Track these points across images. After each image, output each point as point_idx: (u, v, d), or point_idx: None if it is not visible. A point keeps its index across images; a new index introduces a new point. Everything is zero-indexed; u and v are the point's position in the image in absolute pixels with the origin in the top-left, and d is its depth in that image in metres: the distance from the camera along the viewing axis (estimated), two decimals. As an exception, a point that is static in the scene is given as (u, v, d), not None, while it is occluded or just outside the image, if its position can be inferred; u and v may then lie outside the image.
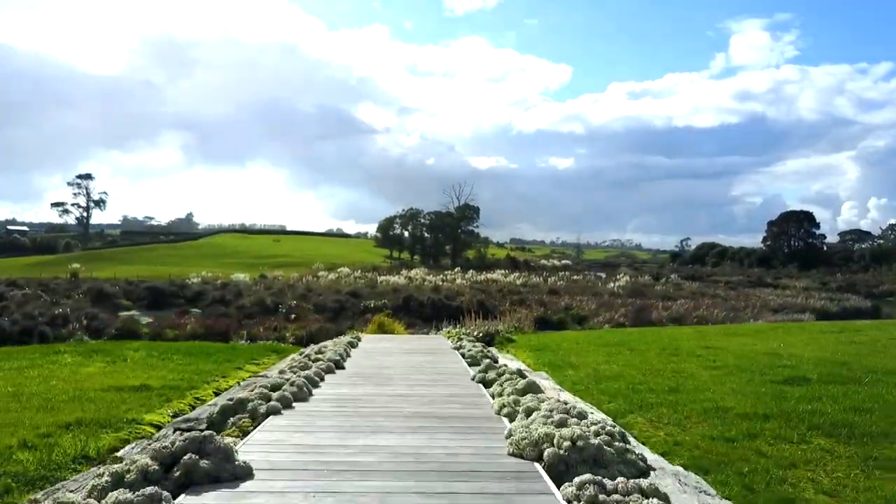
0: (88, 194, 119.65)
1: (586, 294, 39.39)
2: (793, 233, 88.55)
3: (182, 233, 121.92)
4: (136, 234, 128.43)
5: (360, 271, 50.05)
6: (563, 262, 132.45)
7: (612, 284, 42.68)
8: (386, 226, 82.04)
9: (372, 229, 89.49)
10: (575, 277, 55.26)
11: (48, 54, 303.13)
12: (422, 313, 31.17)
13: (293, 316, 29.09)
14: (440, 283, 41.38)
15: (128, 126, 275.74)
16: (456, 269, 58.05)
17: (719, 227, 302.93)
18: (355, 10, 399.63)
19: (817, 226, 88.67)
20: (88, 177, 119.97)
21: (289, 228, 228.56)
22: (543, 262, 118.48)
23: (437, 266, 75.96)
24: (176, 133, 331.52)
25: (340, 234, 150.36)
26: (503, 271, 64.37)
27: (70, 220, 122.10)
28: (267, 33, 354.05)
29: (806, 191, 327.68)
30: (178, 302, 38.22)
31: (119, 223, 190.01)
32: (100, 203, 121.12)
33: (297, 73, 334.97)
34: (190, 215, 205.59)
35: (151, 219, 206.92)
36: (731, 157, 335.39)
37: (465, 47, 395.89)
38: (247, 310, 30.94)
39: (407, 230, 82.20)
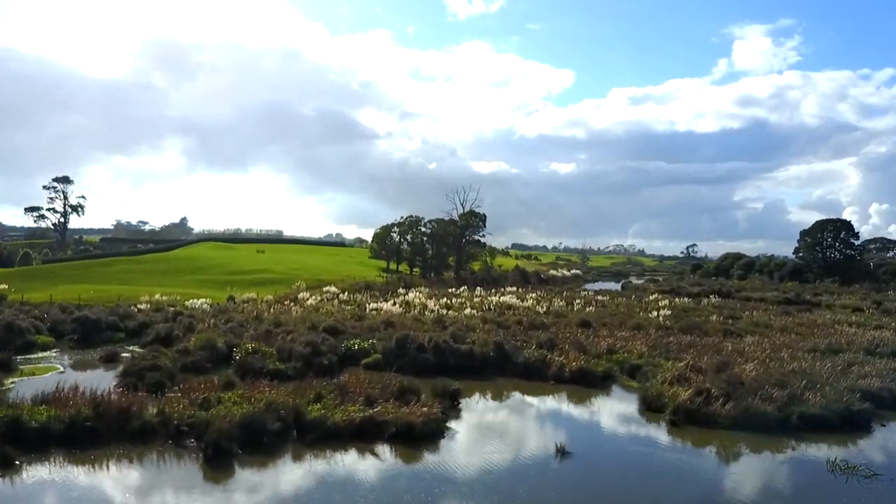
0: (66, 198, 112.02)
1: (626, 327, 31.65)
2: (829, 243, 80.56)
3: (164, 240, 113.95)
4: (118, 242, 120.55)
5: (347, 292, 42.28)
6: (573, 271, 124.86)
7: (654, 313, 34.87)
8: (383, 235, 74.03)
9: (372, 235, 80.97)
10: (599, 297, 47.45)
11: (50, 57, 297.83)
12: (421, 363, 23.44)
13: (243, 368, 21.39)
14: (444, 312, 33.58)
15: (130, 130, 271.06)
16: (462, 288, 50.28)
17: (721, 232, 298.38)
18: (358, 15, 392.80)
19: (856, 235, 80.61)
20: (66, 180, 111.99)
21: (286, 234, 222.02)
22: (552, 272, 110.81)
23: (440, 280, 68.15)
24: (178, 137, 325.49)
25: (336, 243, 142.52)
26: (514, 289, 56.72)
27: (55, 225, 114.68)
28: (269, 38, 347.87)
29: (807, 196, 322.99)
30: (116, 336, 30.49)
31: (111, 228, 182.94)
32: (78, 208, 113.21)
33: (300, 78, 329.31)
34: (184, 220, 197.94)
35: (146, 223, 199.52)
36: (733, 163, 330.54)
37: (467, 52, 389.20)
38: (188, 357, 23.21)
39: (406, 239, 74.25)
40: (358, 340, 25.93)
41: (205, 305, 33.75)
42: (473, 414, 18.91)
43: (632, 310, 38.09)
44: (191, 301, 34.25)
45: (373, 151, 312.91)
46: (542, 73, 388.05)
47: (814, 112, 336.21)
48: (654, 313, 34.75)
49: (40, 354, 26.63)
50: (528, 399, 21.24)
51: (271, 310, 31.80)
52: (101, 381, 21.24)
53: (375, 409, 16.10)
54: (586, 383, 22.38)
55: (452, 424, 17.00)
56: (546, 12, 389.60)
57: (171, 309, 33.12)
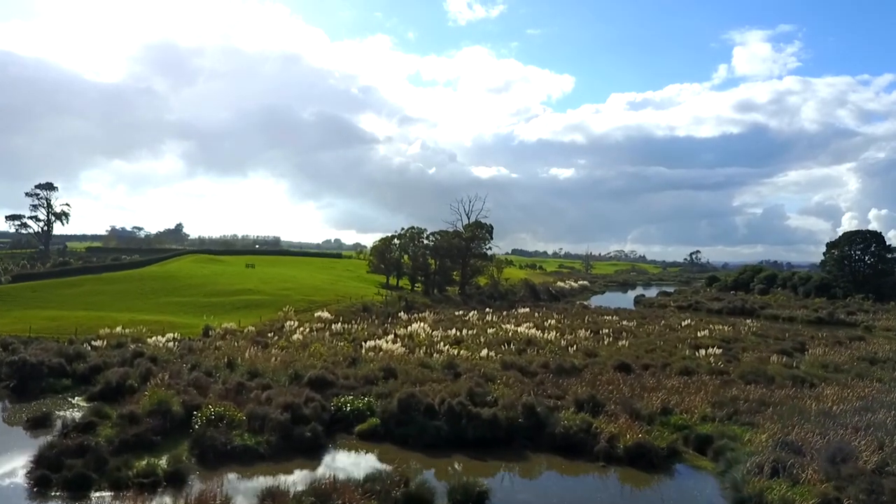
0: (49, 206, 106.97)
1: (673, 371, 26.58)
2: (858, 256, 75.43)
3: (152, 250, 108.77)
4: (104, 251, 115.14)
5: (341, 319, 37.09)
6: (580, 282, 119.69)
7: (702, 352, 29.71)
8: (382, 248, 68.91)
9: (373, 240, 75.56)
10: (625, 322, 42.35)
11: (50, 61, 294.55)
12: (431, 433, 18.38)
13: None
14: (454, 353, 28.37)
15: (130, 134, 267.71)
16: (471, 313, 45.13)
17: (720, 237, 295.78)
18: (358, 20, 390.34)
19: (888, 248, 75.50)
20: (49, 187, 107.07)
21: (284, 239, 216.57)
22: (560, 284, 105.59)
23: (444, 297, 63.03)
24: (177, 142, 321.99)
25: (333, 254, 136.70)
26: (526, 309, 51.66)
27: (37, 234, 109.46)
28: (269, 42, 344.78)
29: (806, 202, 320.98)
30: (61, 384, 25.28)
31: (105, 234, 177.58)
32: (62, 216, 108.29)
33: (300, 83, 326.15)
34: (179, 226, 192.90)
35: (140, 229, 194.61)
36: (732, 168, 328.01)
37: (467, 57, 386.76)
38: (133, 426, 18.07)
39: (407, 253, 69.12)
40: (351, 398, 20.82)
41: (170, 343, 28.54)
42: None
43: (671, 344, 32.90)
44: (154, 338, 29.00)
45: (372, 156, 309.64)
46: (541, 78, 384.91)
47: (813, 117, 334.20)
48: (702, 352, 29.59)
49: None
50: (574, 493, 16.05)
51: (249, 351, 26.60)
52: (13, 460, 16.38)
53: (372, 548, 10.96)
54: (644, 463, 17.26)
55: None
56: (546, 17, 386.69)
57: (132, 347, 27.95)
